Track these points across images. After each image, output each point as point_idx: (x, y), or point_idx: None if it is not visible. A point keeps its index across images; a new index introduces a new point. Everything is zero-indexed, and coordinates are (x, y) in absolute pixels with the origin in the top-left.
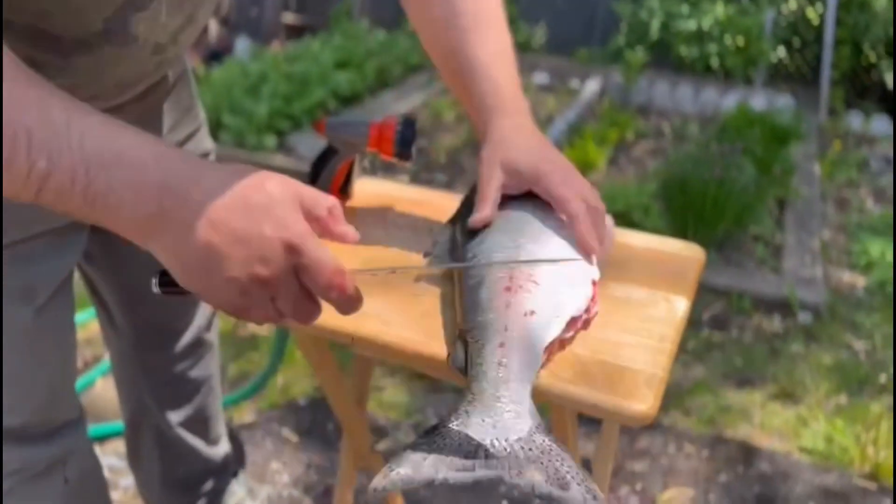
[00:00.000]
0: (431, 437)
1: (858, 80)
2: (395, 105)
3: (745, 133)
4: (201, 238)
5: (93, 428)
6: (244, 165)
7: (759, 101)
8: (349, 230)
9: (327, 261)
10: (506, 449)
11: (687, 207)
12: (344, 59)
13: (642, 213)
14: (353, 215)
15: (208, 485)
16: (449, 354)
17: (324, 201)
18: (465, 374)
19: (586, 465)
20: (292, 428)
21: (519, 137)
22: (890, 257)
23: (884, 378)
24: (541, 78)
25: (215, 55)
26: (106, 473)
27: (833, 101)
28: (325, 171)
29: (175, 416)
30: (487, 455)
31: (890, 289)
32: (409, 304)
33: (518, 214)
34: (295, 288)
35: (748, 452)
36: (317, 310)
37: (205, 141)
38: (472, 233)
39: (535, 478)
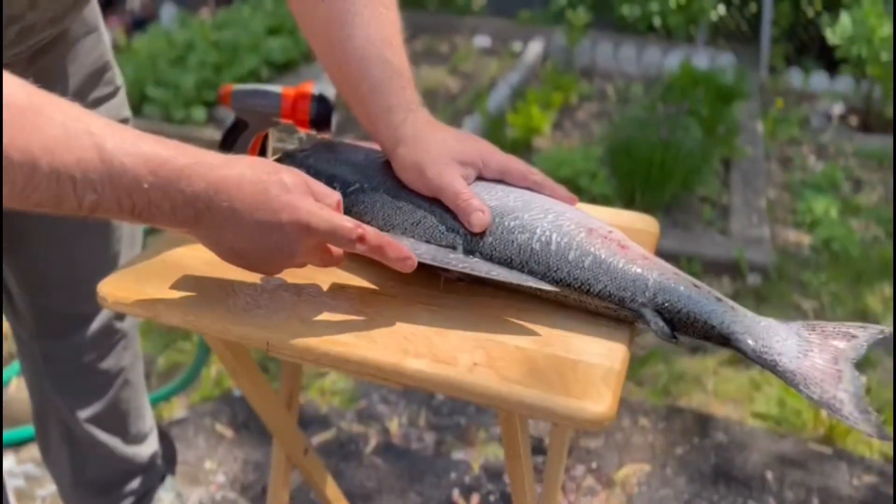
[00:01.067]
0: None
1: (797, 37)
2: None
3: (690, 93)
4: (231, 234)
5: (8, 433)
6: (256, 161)
7: (701, 59)
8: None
9: (340, 223)
10: (812, 328)
11: (634, 171)
12: (276, 24)
13: (589, 178)
14: None
15: (129, 487)
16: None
17: (332, 195)
18: (675, 338)
19: (538, 445)
20: (227, 422)
21: (441, 131)
22: (834, 214)
23: None
24: (482, 41)
25: (139, 23)
26: (21, 482)
27: (773, 58)
28: (236, 149)
29: (83, 412)
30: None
31: (835, 246)
32: (332, 301)
33: (491, 199)
34: (319, 254)
35: (703, 422)
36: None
37: (122, 109)
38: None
39: (839, 345)
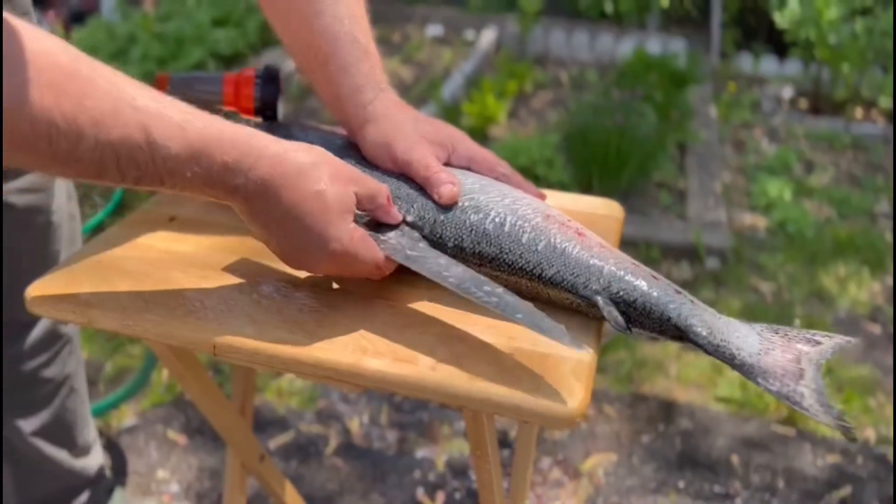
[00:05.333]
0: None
1: (746, 22)
2: (282, 64)
3: (644, 78)
4: (273, 244)
5: None
6: (309, 159)
7: (653, 45)
8: (396, 212)
9: (370, 258)
10: (776, 331)
11: (590, 158)
12: (222, 15)
13: (546, 166)
14: None
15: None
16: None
17: (382, 192)
18: (629, 330)
19: (504, 438)
20: (180, 428)
21: (412, 113)
22: (788, 196)
23: (797, 323)
24: (435, 30)
25: (78, 16)
26: None
27: (724, 43)
28: None
29: (28, 425)
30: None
31: (790, 228)
32: (283, 299)
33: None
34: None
35: (668, 408)
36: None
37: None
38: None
39: (802, 348)
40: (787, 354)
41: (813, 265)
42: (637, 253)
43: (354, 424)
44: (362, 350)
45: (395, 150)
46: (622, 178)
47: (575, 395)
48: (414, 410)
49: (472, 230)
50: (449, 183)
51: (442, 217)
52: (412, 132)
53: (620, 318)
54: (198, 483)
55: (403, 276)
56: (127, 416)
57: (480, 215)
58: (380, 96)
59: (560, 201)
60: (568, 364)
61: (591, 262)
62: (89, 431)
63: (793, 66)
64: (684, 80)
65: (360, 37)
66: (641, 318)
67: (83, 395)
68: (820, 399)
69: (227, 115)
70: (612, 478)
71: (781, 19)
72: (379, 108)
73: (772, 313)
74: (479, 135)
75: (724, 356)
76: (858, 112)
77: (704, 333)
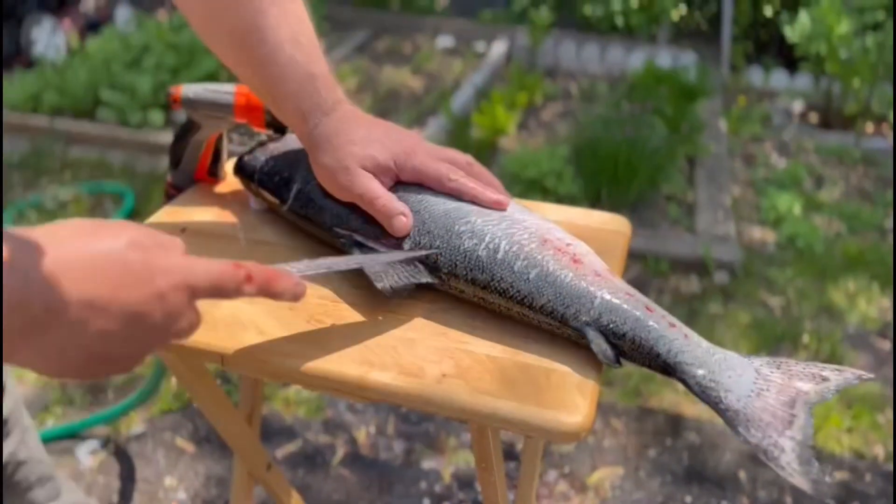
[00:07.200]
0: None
1: (757, 36)
2: None
3: (654, 91)
4: (90, 333)
5: None
6: (85, 225)
7: (663, 59)
8: None
9: (222, 269)
10: (778, 366)
11: (600, 170)
12: None
13: (555, 178)
14: (224, 204)
15: None
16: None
17: (175, 242)
18: (618, 363)
19: (510, 450)
20: (188, 435)
21: (356, 130)
22: (797, 210)
23: (806, 338)
24: (445, 42)
25: (93, 25)
26: None
27: (734, 57)
28: (188, 152)
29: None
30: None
31: (799, 243)
32: (292, 309)
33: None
34: (192, 317)
35: (675, 423)
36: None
37: None
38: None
39: (803, 388)
40: (781, 396)
41: (822, 280)
42: (645, 266)
43: (361, 435)
44: (369, 363)
45: (339, 183)
46: (631, 190)
47: (580, 410)
48: (421, 421)
49: (465, 256)
50: (400, 215)
51: (437, 243)
52: (354, 164)
53: (610, 352)
54: (205, 491)
55: (412, 292)
56: (135, 424)
57: (475, 241)
58: (322, 121)
59: (569, 216)
60: (573, 379)
61: (583, 292)
62: (45, 467)
63: (803, 81)
64: (694, 94)
65: (300, 58)
66: (631, 352)
67: (30, 431)
68: (802, 454)
69: (239, 127)
70: (619, 491)
71: (792, 33)
72: (322, 133)
73: (780, 328)
74: (489, 146)
75: (710, 399)
76: (869, 127)
77: (692, 373)
